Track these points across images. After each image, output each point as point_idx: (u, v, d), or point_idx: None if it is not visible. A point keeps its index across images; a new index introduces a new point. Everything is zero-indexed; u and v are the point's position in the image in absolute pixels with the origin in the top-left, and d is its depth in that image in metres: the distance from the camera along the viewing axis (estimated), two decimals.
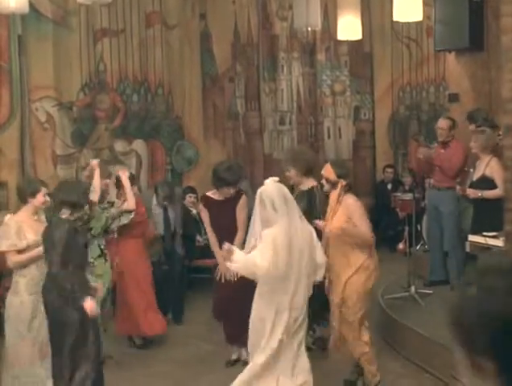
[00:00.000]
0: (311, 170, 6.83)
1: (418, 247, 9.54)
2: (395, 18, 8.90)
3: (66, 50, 9.98)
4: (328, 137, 12.32)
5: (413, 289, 7.86)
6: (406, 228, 8.62)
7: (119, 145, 10.52)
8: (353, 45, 11.84)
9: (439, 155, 8.14)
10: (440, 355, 6.41)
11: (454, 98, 9.63)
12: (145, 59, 10.68)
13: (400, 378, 6.57)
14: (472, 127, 8.07)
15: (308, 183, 6.75)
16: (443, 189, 7.95)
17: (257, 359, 5.38)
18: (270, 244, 5.24)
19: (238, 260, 5.30)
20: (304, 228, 5.49)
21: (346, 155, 12.34)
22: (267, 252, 5.22)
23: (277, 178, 5.53)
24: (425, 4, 8.79)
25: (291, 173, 6.76)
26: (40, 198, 6.18)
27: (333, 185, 6.09)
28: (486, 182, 7.15)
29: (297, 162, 6.75)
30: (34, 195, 6.14)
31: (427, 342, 6.65)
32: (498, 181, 6.98)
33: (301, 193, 6.70)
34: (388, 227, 11.36)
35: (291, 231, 5.33)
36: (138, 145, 10.70)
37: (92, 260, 6.64)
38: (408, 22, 10.38)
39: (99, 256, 6.85)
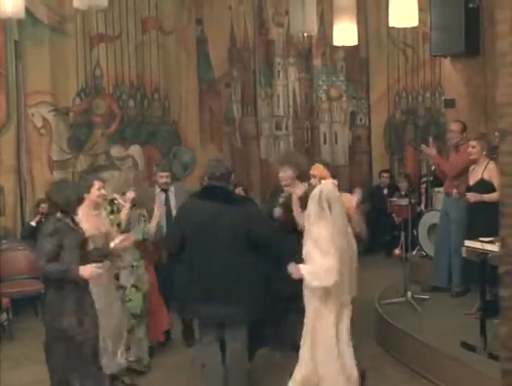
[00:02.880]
0: (304, 174, 6.88)
1: (414, 252, 9.54)
2: (391, 23, 8.91)
3: (62, 55, 9.99)
4: (324, 142, 12.33)
5: (409, 294, 7.85)
6: (403, 233, 8.61)
7: (115, 151, 10.52)
8: (349, 50, 11.87)
9: (446, 159, 8.17)
10: (436, 359, 6.41)
11: (450, 103, 9.63)
12: (141, 65, 10.68)
13: (396, 383, 6.55)
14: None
15: (300, 187, 6.77)
16: (451, 194, 7.92)
17: None
18: (328, 242, 5.38)
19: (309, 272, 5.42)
20: (349, 231, 5.75)
21: (342, 160, 12.36)
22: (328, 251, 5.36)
23: (336, 181, 5.77)
24: (421, 10, 8.80)
25: (287, 174, 6.74)
26: (95, 192, 6.23)
27: None
28: (485, 186, 7.15)
29: (293, 163, 6.76)
30: (88, 190, 6.21)
31: (423, 347, 6.64)
32: (497, 184, 6.98)
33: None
34: (384, 232, 11.36)
35: (343, 230, 5.54)
36: (135, 150, 10.70)
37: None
38: (404, 28, 10.40)
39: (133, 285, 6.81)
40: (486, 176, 7.18)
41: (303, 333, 5.64)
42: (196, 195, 6.16)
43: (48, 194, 5.84)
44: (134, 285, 6.80)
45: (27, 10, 8.00)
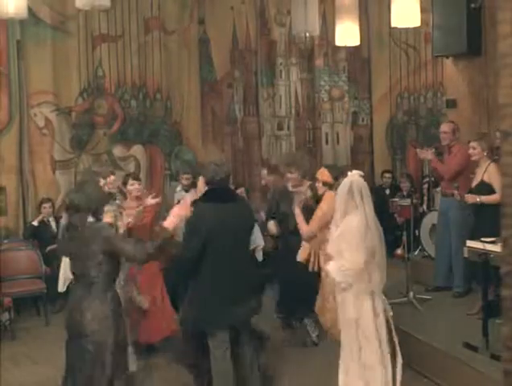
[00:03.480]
0: (308, 174, 6.95)
1: (416, 252, 9.53)
2: (393, 24, 8.91)
3: (65, 55, 10.00)
4: (326, 142, 12.33)
5: (411, 294, 7.85)
6: (405, 234, 8.61)
7: (118, 151, 10.53)
8: (351, 51, 11.88)
9: (440, 160, 8.15)
10: (438, 360, 6.41)
11: (452, 103, 9.65)
12: (143, 65, 10.69)
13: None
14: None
15: (304, 186, 6.85)
16: (449, 195, 7.93)
17: None
18: (356, 235, 5.42)
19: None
20: (377, 222, 5.78)
21: (344, 160, 12.36)
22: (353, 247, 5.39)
23: (361, 172, 5.76)
24: (423, 10, 8.80)
25: (293, 175, 6.82)
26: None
27: (330, 187, 6.30)
28: (485, 188, 7.15)
29: (300, 165, 6.85)
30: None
31: (425, 347, 6.64)
32: (497, 186, 6.99)
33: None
34: (386, 232, 11.27)
35: (372, 220, 5.62)
36: (137, 150, 10.71)
37: None
38: (406, 28, 10.39)
39: None
40: (486, 178, 7.17)
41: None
42: (202, 200, 5.77)
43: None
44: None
45: (30, 10, 8.00)
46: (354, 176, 5.65)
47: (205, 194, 5.68)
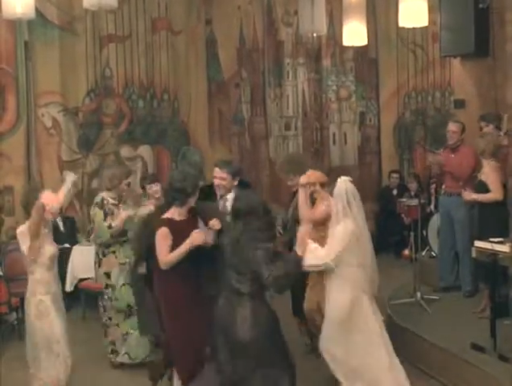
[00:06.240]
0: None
1: (423, 253, 9.51)
2: (401, 23, 8.88)
3: (72, 55, 10.02)
4: (334, 142, 12.32)
5: (419, 295, 7.84)
6: (412, 234, 8.59)
7: (125, 151, 10.54)
8: (359, 51, 11.86)
9: (448, 160, 8.10)
10: (446, 360, 6.40)
11: (459, 104, 9.62)
12: (151, 65, 10.71)
13: None
14: (485, 128, 7.97)
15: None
16: (454, 195, 7.91)
17: None
18: (345, 239, 5.50)
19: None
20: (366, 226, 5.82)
21: (352, 161, 12.35)
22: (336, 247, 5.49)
23: (351, 178, 5.82)
24: (430, 10, 8.77)
25: (294, 182, 6.79)
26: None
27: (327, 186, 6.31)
28: (482, 187, 7.13)
29: (298, 170, 6.80)
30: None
31: (432, 348, 6.63)
32: (491, 185, 6.98)
33: None
34: (393, 232, 11.35)
35: (363, 225, 5.67)
36: (144, 150, 10.73)
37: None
38: (414, 28, 10.36)
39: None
40: (483, 177, 7.15)
41: None
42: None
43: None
44: (124, 284, 6.85)
45: (37, 11, 7.99)
46: (346, 182, 5.73)
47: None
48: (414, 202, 8.61)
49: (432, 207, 10.28)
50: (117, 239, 6.86)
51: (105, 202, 6.88)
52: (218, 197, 6.32)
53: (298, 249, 5.18)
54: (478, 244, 6.38)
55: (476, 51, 8.96)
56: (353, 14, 9.43)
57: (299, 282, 6.63)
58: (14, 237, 9.39)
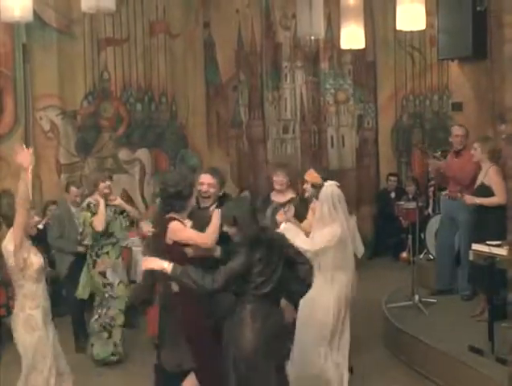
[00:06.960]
0: (294, 180, 7.05)
1: (421, 255, 9.51)
2: (398, 27, 8.90)
3: (70, 59, 10.02)
4: (332, 145, 12.33)
5: (417, 297, 7.84)
6: (410, 237, 8.60)
7: (123, 154, 10.55)
8: (357, 54, 11.87)
9: (451, 165, 8.09)
10: (444, 363, 6.40)
11: (457, 107, 9.62)
12: (149, 68, 10.72)
13: None
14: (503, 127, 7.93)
15: (289, 194, 6.81)
16: (457, 198, 7.89)
17: None
18: (331, 241, 5.64)
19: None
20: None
21: (349, 164, 12.36)
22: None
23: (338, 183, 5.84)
24: (428, 13, 8.78)
25: (279, 178, 6.85)
26: None
27: (319, 188, 6.22)
28: (485, 191, 7.13)
29: (288, 171, 6.85)
30: None
31: (430, 350, 6.63)
32: (495, 189, 6.98)
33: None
34: (391, 235, 11.36)
35: (346, 229, 5.75)
36: (142, 153, 10.73)
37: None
38: (411, 31, 10.37)
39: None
40: (486, 181, 7.15)
41: None
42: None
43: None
44: (121, 282, 7.22)
45: (35, 14, 8.00)
46: (333, 186, 5.77)
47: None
48: (412, 205, 8.61)
49: (430, 209, 10.29)
50: (105, 241, 7.23)
51: (91, 205, 7.20)
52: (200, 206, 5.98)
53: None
54: (475, 247, 6.39)
55: (474, 54, 8.97)
56: (351, 17, 9.45)
57: None
58: None
